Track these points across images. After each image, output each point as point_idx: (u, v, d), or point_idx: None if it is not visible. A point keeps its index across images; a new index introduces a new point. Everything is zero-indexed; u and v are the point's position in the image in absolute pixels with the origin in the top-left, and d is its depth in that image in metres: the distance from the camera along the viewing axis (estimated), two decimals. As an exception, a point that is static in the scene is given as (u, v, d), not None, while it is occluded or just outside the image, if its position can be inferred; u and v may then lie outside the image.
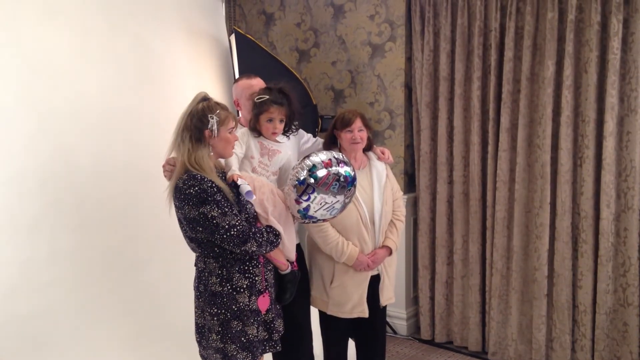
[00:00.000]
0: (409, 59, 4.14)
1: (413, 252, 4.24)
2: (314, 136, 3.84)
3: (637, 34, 3.27)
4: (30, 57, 3.09)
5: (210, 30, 4.20)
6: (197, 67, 4.02)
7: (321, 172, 2.37)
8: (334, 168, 2.40)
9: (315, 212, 2.43)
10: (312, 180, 2.36)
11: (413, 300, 4.33)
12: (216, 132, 2.25)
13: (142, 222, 3.53)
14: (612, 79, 3.33)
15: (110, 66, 3.44)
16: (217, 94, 4.06)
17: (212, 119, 2.24)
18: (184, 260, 3.45)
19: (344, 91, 4.40)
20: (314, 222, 2.53)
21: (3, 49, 2.98)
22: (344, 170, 2.42)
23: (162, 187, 3.45)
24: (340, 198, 2.44)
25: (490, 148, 3.79)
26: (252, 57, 4.02)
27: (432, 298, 4.18)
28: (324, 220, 2.52)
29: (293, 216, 2.52)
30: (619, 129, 3.38)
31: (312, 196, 2.38)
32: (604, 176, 3.39)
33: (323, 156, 2.43)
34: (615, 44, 3.30)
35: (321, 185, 2.37)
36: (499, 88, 3.74)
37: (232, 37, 4.09)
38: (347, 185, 2.43)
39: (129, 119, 3.53)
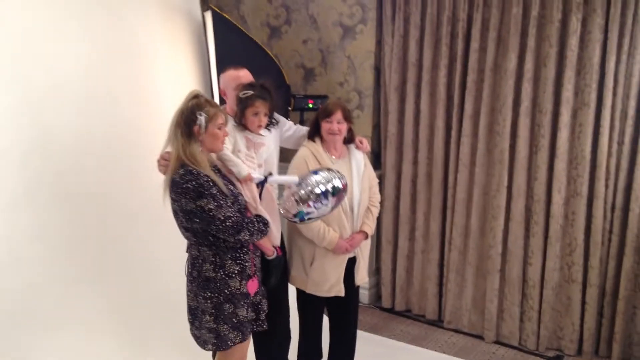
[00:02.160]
0: (379, 42, 4.28)
1: (377, 227, 4.46)
2: (287, 114, 3.99)
3: (593, 33, 3.51)
4: (9, 36, 3.07)
5: (184, 6, 4.20)
6: (171, 42, 4.02)
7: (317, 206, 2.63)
8: (330, 202, 2.64)
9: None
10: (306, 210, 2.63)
11: (375, 271, 4.60)
12: (204, 128, 2.37)
13: (121, 196, 3.60)
14: (569, 74, 3.58)
15: (88, 43, 3.43)
16: (191, 71, 4.11)
17: (201, 115, 2.36)
18: (162, 234, 3.58)
19: (315, 70, 4.52)
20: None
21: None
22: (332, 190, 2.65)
23: (140, 163, 3.57)
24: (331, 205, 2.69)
25: (453, 133, 4.02)
26: (227, 36, 4.07)
27: (394, 270, 4.46)
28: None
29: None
30: (572, 121, 3.65)
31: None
32: (557, 164, 3.68)
33: (318, 190, 2.62)
34: (573, 41, 3.55)
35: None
36: (464, 76, 3.95)
37: (207, 14, 4.11)
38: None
39: (107, 96, 3.54)
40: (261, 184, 2.61)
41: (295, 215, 2.61)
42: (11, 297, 3.06)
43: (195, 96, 2.42)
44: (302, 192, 2.56)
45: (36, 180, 3.19)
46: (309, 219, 2.64)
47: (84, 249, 3.40)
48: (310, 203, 2.59)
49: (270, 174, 2.68)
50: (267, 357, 3.10)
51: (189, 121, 2.36)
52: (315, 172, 2.64)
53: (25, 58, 3.14)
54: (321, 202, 2.59)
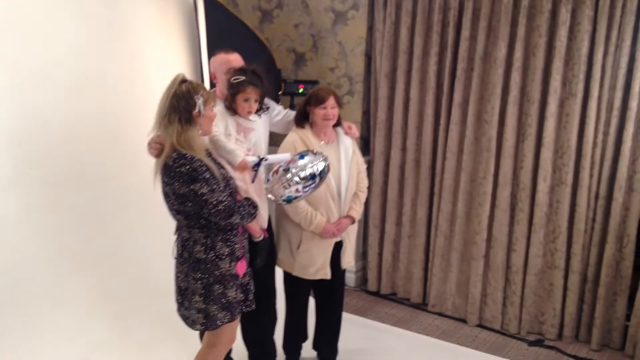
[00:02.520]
0: (371, 29, 4.30)
1: (365, 212, 4.52)
2: (277, 99, 4.02)
3: (582, 24, 3.55)
4: (1, 18, 3.07)
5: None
6: (162, 24, 4.02)
7: (299, 188, 2.67)
8: (312, 185, 2.69)
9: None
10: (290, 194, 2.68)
11: (362, 255, 4.66)
12: (202, 111, 2.38)
13: (110, 179, 3.63)
14: (557, 64, 3.62)
15: (79, 25, 3.44)
16: (182, 53, 4.11)
17: (199, 99, 2.37)
18: (148, 216, 3.62)
19: (306, 55, 4.54)
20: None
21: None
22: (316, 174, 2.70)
23: (129, 146, 3.59)
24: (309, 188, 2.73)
25: (442, 120, 4.06)
26: (218, 19, 4.07)
27: (380, 254, 4.52)
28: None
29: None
30: (559, 111, 3.70)
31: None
32: (543, 153, 3.74)
33: (304, 173, 2.67)
34: (562, 32, 3.58)
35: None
36: (454, 65, 3.98)
37: (199, -3, 4.11)
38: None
39: (98, 78, 3.55)
40: (256, 166, 2.65)
41: (282, 198, 2.65)
42: (6, 274, 3.09)
43: (185, 80, 2.42)
44: (290, 175, 2.60)
45: (24, 162, 3.20)
46: (295, 198, 2.68)
47: (73, 229, 3.43)
48: (299, 187, 2.63)
49: (265, 158, 2.71)
50: (253, 337, 3.16)
51: (188, 106, 2.35)
52: (302, 156, 2.67)
53: (14, 39, 3.14)
54: (309, 185, 2.64)
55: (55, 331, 3.17)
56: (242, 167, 2.60)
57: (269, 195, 2.73)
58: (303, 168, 2.60)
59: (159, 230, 3.36)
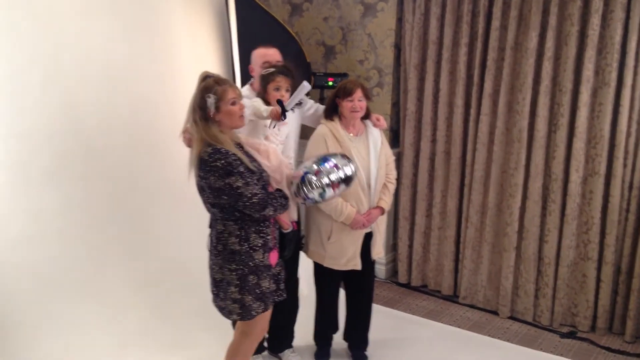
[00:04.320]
0: (400, 20, 4.30)
1: (394, 204, 4.54)
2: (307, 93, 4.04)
3: (615, 12, 3.49)
4: (38, 17, 3.17)
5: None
6: (193, 19, 4.08)
7: (328, 192, 2.67)
8: (339, 189, 2.69)
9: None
10: (318, 199, 2.69)
11: (392, 247, 4.67)
12: (214, 110, 2.43)
13: (144, 171, 3.71)
14: (590, 53, 3.57)
15: (113, 22, 3.52)
16: (213, 48, 4.17)
17: (209, 98, 2.41)
18: (182, 207, 3.69)
19: (335, 47, 4.55)
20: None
21: (13, 11, 3.08)
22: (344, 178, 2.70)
23: (162, 139, 3.66)
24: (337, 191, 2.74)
25: (472, 111, 4.04)
26: (249, 13, 4.11)
27: (411, 246, 4.53)
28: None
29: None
30: (592, 100, 3.65)
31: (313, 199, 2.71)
32: (575, 143, 3.70)
33: (333, 177, 2.67)
34: (595, 20, 3.53)
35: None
36: (484, 55, 3.95)
37: (230, -8, 4.15)
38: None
39: (131, 73, 3.64)
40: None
41: (307, 198, 2.69)
42: (45, 264, 3.21)
43: (204, 78, 2.48)
44: (323, 176, 2.64)
45: (61, 157, 3.30)
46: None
47: (109, 222, 3.52)
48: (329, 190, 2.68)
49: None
50: (273, 325, 3.19)
51: (203, 105, 2.42)
52: (327, 159, 2.71)
53: (50, 37, 3.23)
54: (338, 188, 2.68)
55: (92, 321, 3.27)
56: (274, 114, 2.65)
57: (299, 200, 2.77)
58: (330, 173, 2.65)
59: (192, 223, 3.44)
